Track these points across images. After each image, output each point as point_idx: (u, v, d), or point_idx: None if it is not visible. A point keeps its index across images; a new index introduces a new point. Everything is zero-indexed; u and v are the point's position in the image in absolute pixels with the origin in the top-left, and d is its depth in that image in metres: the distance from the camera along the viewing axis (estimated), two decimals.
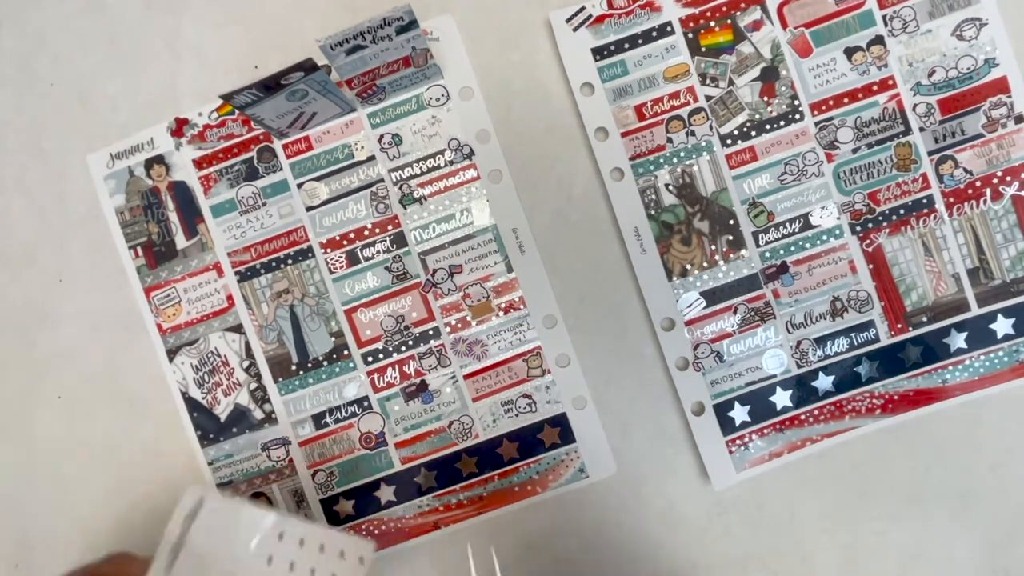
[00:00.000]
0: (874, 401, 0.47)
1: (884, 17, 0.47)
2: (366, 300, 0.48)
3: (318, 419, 0.49)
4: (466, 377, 0.48)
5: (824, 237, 0.47)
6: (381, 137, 0.48)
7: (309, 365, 0.49)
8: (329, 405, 0.49)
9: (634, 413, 0.48)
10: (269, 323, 0.49)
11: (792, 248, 0.47)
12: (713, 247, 0.48)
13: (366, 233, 0.49)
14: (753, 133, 0.47)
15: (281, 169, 0.49)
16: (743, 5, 0.47)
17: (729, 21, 0.47)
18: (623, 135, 0.48)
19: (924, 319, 0.47)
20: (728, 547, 0.48)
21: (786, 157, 0.47)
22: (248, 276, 0.49)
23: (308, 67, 0.41)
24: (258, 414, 0.49)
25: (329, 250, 0.49)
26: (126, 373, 0.50)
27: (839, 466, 0.47)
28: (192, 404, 0.49)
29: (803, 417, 0.47)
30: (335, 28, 0.40)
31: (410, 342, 0.48)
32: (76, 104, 0.50)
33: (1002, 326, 0.47)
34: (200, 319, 0.49)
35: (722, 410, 0.47)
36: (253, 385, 0.49)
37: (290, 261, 0.49)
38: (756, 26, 0.47)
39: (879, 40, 0.47)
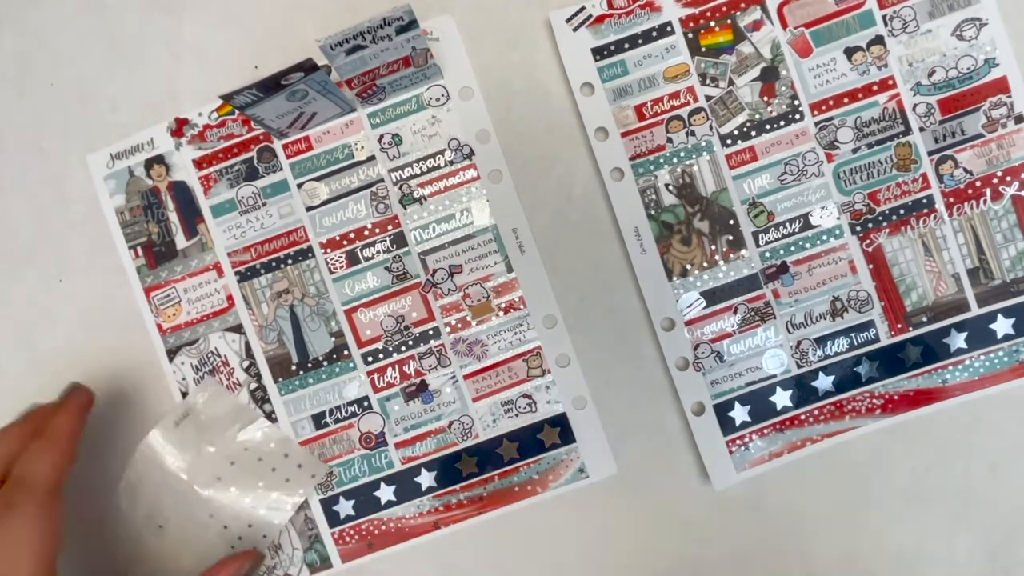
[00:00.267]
0: (874, 401, 0.47)
1: (884, 17, 0.47)
2: (366, 300, 0.48)
3: (318, 419, 0.49)
4: (466, 377, 0.48)
5: (824, 237, 0.47)
6: (381, 137, 0.48)
7: (309, 365, 0.49)
8: (329, 405, 0.49)
9: (634, 413, 0.48)
10: (269, 323, 0.49)
11: (792, 248, 0.47)
12: (713, 247, 0.48)
13: (366, 233, 0.49)
14: (753, 133, 0.47)
15: (281, 169, 0.49)
16: (743, 5, 0.47)
17: (729, 21, 0.47)
18: (623, 135, 0.48)
19: (924, 319, 0.47)
20: (728, 547, 0.48)
21: (786, 157, 0.47)
22: (248, 276, 0.49)
23: (308, 67, 0.41)
24: None
25: (329, 250, 0.49)
26: (126, 373, 0.50)
27: (839, 466, 0.47)
28: None
29: (803, 417, 0.47)
30: (335, 28, 0.40)
31: (410, 342, 0.48)
32: (76, 104, 0.50)
33: (1002, 326, 0.47)
34: (200, 319, 0.49)
35: (722, 410, 0.47)
36: (253, 385, 0.49)
37: (290, 261, 0.49)
38: (756, 26, 0.47)
39: (879, 40, 0.47)
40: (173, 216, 0.49)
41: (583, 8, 0.48)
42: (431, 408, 0.48)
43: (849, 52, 0.47)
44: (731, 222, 0.48)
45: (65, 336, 0.50)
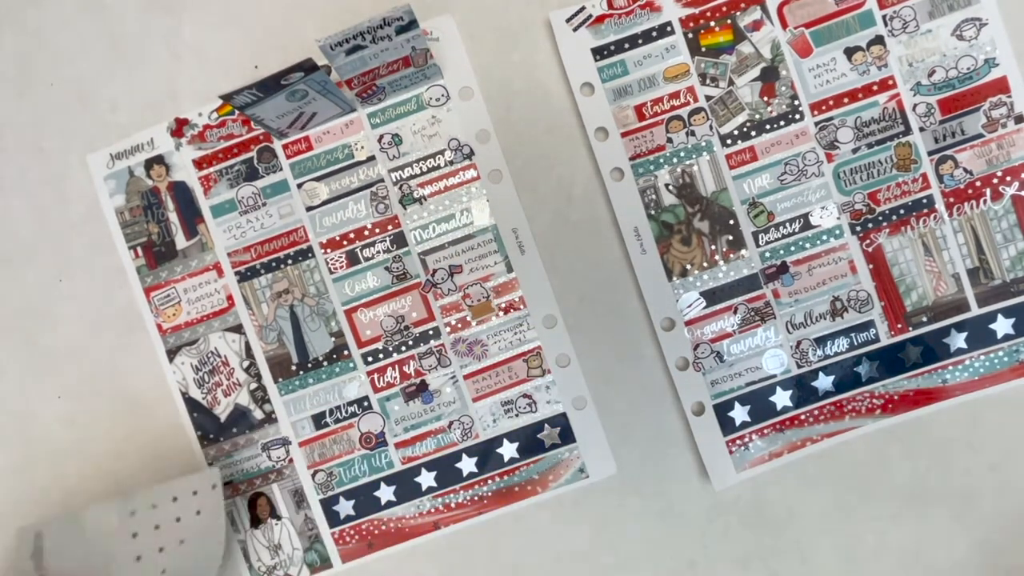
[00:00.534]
0: (874, 401, 0.47)
1: (884, 17, 0.47)
2: (366, 300, 0.48)
3: (318, 419, 0.49)
4: (466, 377, 0.48)
5: (824, 237, 0.47)
6: (381, 137, 0.48)
7: (309, 365, 0.49)
8: (329, 405, 0.49)
9: (634, 413, 0.48)
10: (269, 323, 0.49)
11: (792, 248, 0.47)
12: (713, 247, 0.48)
13: (366, 233, 0.49)
14: (753, 133, 0.47)
15: (281, 169, 0.49)
16: (743, 5, 0.47)
17: (729, 21, 0.47)
18: (623, 135, 0.48)
19: (924, 319, 0.47)
20: (728, 547, 0.48)
21: (786, 157, 0.47)
22: (248, 276, 0.49)
23: (308, 67, 0.41)
24: (258, 414, 0.49)
25: (329, 250, 0.49)
26: (126, 373, 0.50)
27: (839, 466, 0.47)
28: (192, 404, 0.49)
29: (803, 417, 0.47)
30: (335, 28, 0.40)
31: (410, 342, 0.48)
32: (76, 104, 0.50)
33: (1002, 326, 0.47)
34: (200, 319, 0.49)
35: (722, 410, 0.47)
36: (253, 385, 0.49)
37: (290, 261, 0.49)
38: (756, 26, 0.47)
39: (879, 40, 0.47)
40: (173, 216, 0.49)
41: (583, 8, 0.48)
42: (431, 408, 0.48)
43: (849, 52, 0.47)
44: (731, 222, 0.48)
45: (65, 336, 0.50)
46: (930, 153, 0.47)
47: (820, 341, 0.47)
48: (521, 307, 0.48)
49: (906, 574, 0.47)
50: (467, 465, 0.48)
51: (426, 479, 0.48)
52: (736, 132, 0.47)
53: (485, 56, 0.49)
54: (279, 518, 0.49)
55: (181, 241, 0.49)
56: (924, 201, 0.47)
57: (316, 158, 0.49)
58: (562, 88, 0.48)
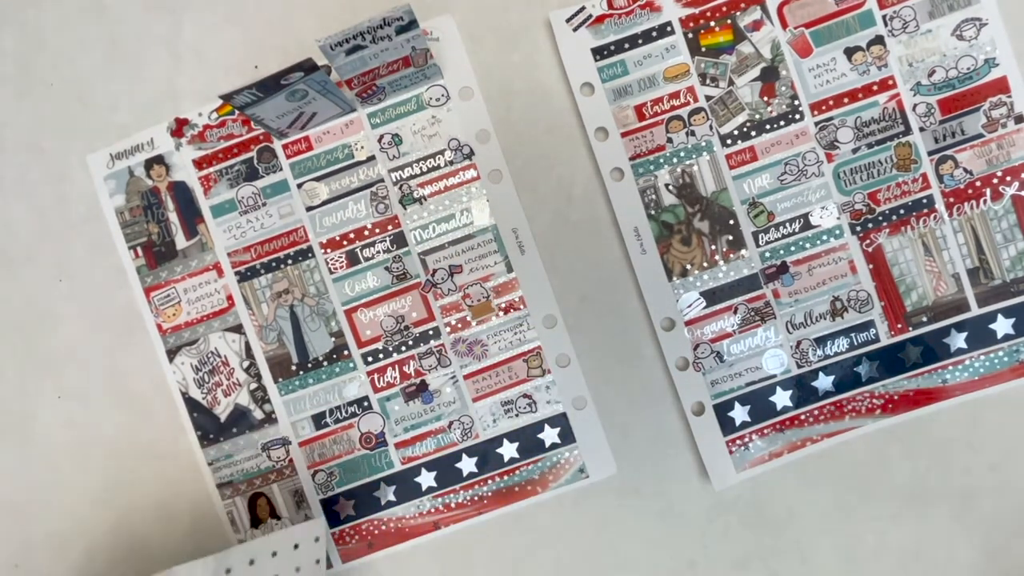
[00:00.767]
0: (874, 401, 0.47)
1: (884, 17, 0.47)
2: (366, 300, 0.48)
3: (318, 419, 0.49)
4: (466, 377, 0.48)
5: (824, 237, 0.47)
6: (381, 137, 0.48)
7: (309, 365, 0.49)
8: (329, 405, 0.49)
9: (634, 413, 0.48)
10: (269, 323, 0.49)
11: (792, 248, 0.47)
12: (713, 247, 0.48)
13: (366, 233, 0.49)
14: (753, 133, 0.47)
15: (281, 169, 0.49)
16: (743, 5, 0.47)
17: (729, 21, 0.47)
18: (623, 135, 0.48)
19: (924, 319, 0.47)
20: (728, 547, 0.48)
21: (786, 157, 0.47)
22: (248, 276, 0.49)
23: (308, 67, 0.41)
24: (258, 414, 0.49)
25: (329, 250, 0.49)
26: (126, 373, 0.50)
27: (839, 466, 0.47)
28: (192, 404, 0.49)
29: (803, 417, 0.47)
30: (335, 28, 0.40)
31: (410, 342, 0.48)
32: (76, 104, 0.50)
33: (1002, 326, 0.47)
34: (200, 319, 0.49)
35: (722, 410, 0.47)
36: (253, 385, 0.49)
37: (290, 261, 0.49)
38: (756, 26, 0.47)
39: (879, 40, 0.47)
40: (173, 216, 0.49)
41: (583, 8, 0.48)
42: (431, 408, 0.48)
43: (849, 52, 0.47)
44: (731, 222, 0.48)
45: (65, 336, 0.50)
46: (930, 153, 0.47)
47: (820, 341, 0.47)
48: (521, 307, 0.48)
49: (906, 574, 0.47)
50: (467, 465, 0.48)
51: (426, 479, 0.48)
52: (736, 132, 0.48)
53: (485, 56, 0.49)
54: (279, 518, 0.49)
55: (181, 241, 0.49)
56: (924, 201, 0.47)
57: (316, 158, 0.49)
58: (562, 88, 0.48)
